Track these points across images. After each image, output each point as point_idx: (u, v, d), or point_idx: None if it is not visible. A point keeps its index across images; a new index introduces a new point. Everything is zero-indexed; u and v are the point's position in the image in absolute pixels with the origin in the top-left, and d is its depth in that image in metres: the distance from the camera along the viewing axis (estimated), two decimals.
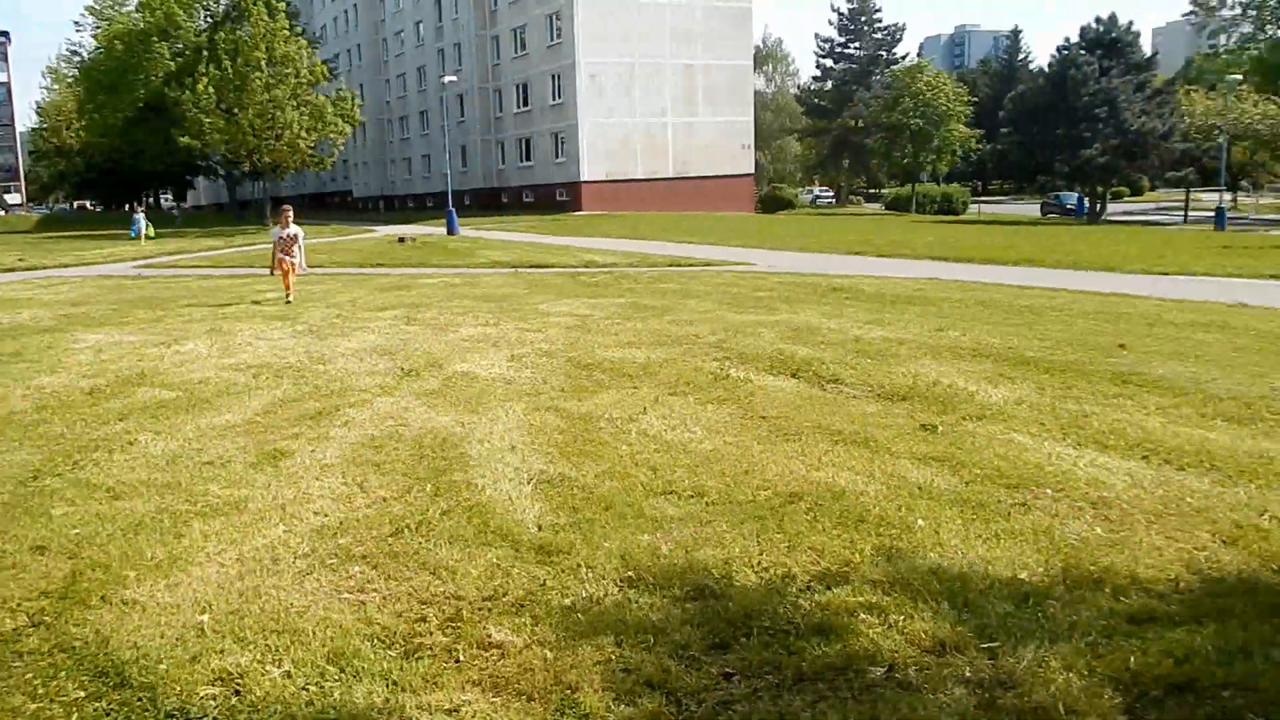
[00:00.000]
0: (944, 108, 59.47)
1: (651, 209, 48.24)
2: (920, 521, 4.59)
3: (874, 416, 6.60)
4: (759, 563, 4.17)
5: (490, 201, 57.40)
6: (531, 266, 20.21)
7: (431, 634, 3.60)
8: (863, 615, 3.66)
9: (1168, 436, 5.91)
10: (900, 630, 3.54)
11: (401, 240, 29.71)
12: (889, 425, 6.35)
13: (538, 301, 13.50)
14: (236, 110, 42.78)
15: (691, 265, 19.39)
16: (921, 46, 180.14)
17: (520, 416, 6.76)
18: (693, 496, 5.02)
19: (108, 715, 3.08)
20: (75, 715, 3.08)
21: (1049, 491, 4.98)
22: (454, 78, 44.78)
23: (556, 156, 51.90)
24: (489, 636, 3.55)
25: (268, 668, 3.35)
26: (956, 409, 6.73)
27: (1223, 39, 67.40)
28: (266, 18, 44.03)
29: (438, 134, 59.01)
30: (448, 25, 60.13)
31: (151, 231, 35.97)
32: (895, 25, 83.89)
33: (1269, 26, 61.33)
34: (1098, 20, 55.38)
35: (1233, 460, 5.39)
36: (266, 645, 3.50)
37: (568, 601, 3.82)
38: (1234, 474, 5.17)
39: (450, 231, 33.87)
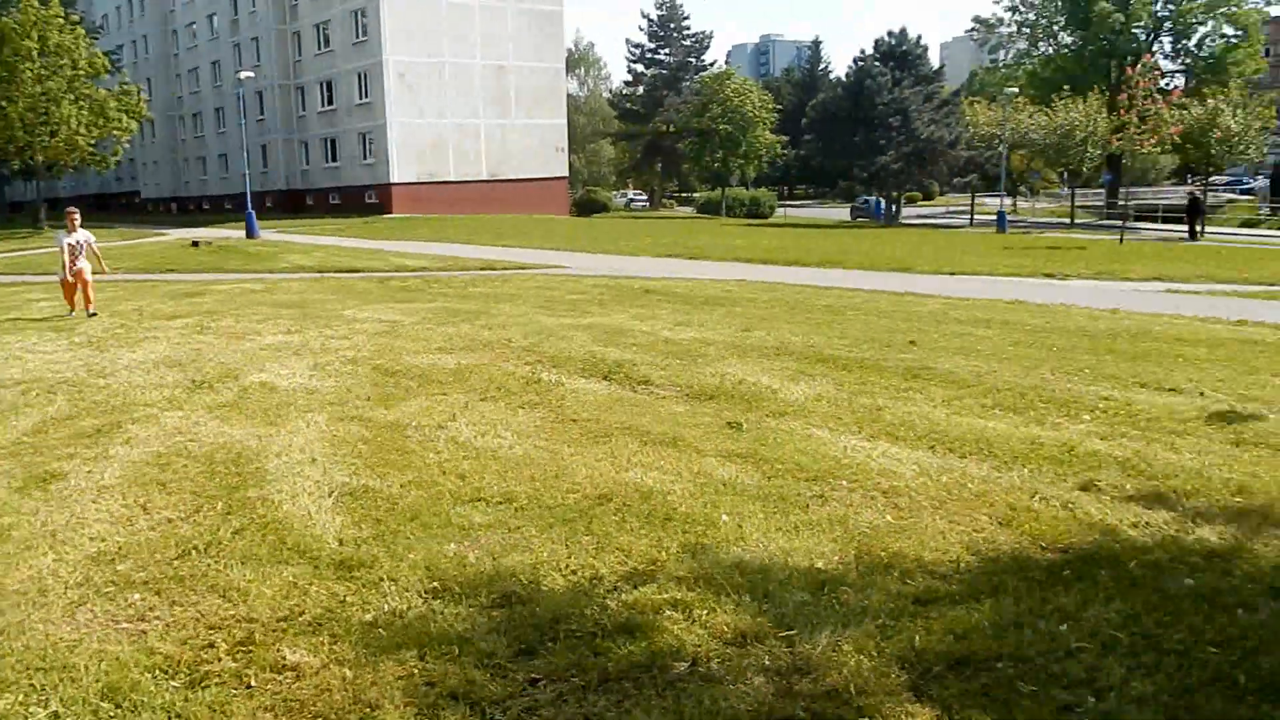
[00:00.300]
0: (751, 114, 61.54)
1: (465, 212, 47.54)
2: (725, 517, 4.70)
3: (682, 416, 6.73)
4: (567, 566, 4.16)
5: (295, 204, 55.06)
6: (338, 271, 19.52)
7: (220, 660, 3.40)
8: (668, 612, 3.72)
9: (951, 427, 6.30)
10: (704, 624, 3.62)
11: (196, 244, 28.02)
12: (696, 424, 6.49)
13: (344, 308, 13.04)
14: (5, 103, 39.23)
15: (505, 269, 19.25)
16: (729, 54, 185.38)
17: (323, 427, 6.51)
18: (502, 503, 4.96)
19: None
20: None
21: (845, 483, 5.21)
22: (250, 73, 42.56)
23: (365, 157, 50.35)
24: (283, 659, 3.39)
25: (33, 709, 3.08)
26: (761, 406, 6.95)
27: (1002, 54, 73.09)
28: (37, 4, 40.60)
29: (235, 132, 56.17)
30: (244, 19, 57.29)
31: None
32: (703, 33, 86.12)
33: (1041, 43, 66.88)
34: (890, 34, 58.79)
35: (1008, 447, 5.80)
36: (31, 685, 3.22)
37: (369, 617, 3.70)
38: (1009, 460, 5.57)
39: (250, 234, 32.25)
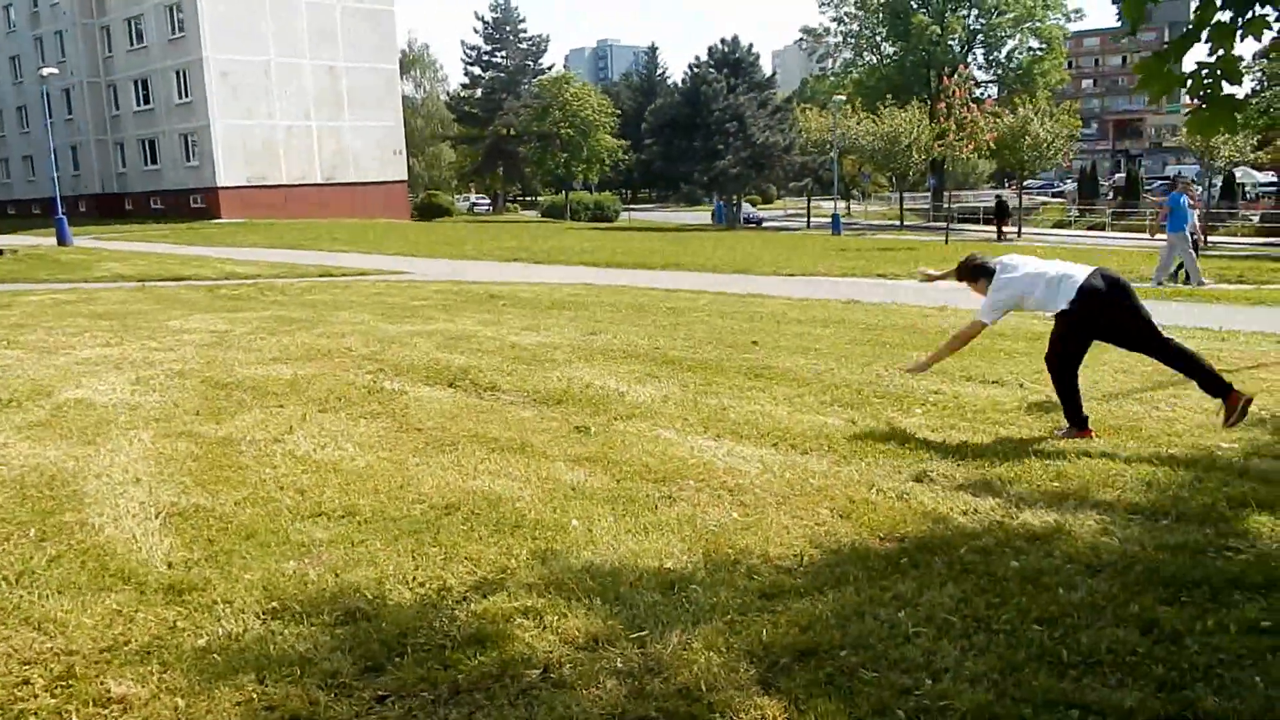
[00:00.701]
0: (591, 118, 61.93)
1: (301, 216, 45.91)
2: (575, 522, 4.70)
3: (530, 421, 6.69)
4: (414, 578, 4.07)
5: (112, 208, 51.84)
6: (162, 279, 18.49)
7: (36, 697, 3.15)
8: (519, 620, 3.68)
9: (793, 424, 6.49)
10: (555, 630, 3.60)
11: (0, 252, 26.00)
12: (544, 430, 6.46)
13: (168, 318, 12.36)
14: None
15: (344, 275, 18.70)
16: (567, 58, 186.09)
17: (147, 445, 6.14)
18: (344, 516, 4.81)
19: None
20: None
21: (692, 482, 5.29)
22: (54, 70, 39.83)
23: (188, 159, 47.92)
24: (108, 692, 3.17)
25: None
26: (608, 409, 6.98)
27: (829, 63, 76.12)
28: None
29: (41, 133, 52.48)
30: (45, 11, 53.55)
31: None
32: (540, 36, 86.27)
33: (865, 53, 70.01)
34: (723, 41, 60.18)
35: (845, 442, 6.02)
36: None
37: (202, 642, 3.51)
38: (847, 454, 5.78)
39: (61, 241, 30.18)
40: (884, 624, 3.57)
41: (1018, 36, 67.12)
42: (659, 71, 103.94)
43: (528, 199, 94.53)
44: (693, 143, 55.51)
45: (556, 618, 3.69)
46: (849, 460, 5.68)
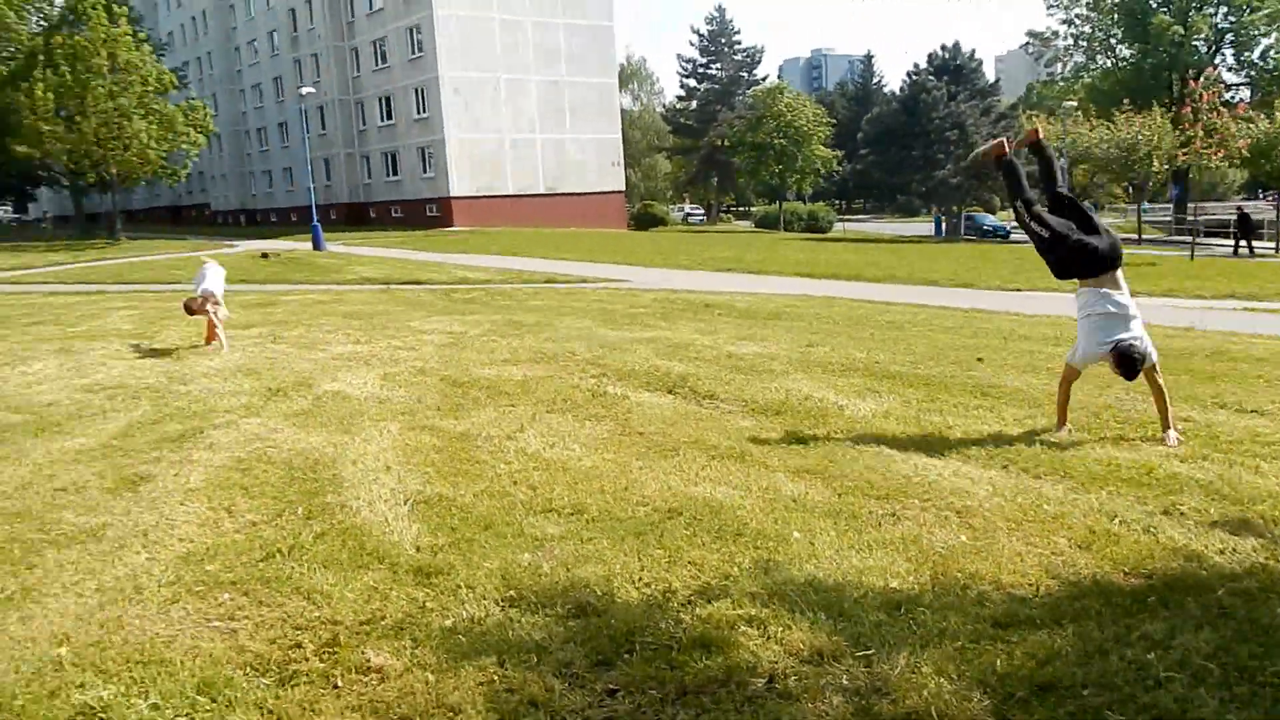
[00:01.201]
0: (805, 128, 61.35)
1: (524, 224, 48.06)
2: (796, 534, 4.70)
3: (749, 431, 6.74)
4: (640, 579, 4.20)
5: (358, 216, 56.08)
6: (402, 283, 19.84)
7: (307, 660, 3.49)
8: (743, 628, 3.73)
9: (1024, 446, 6.20)
10: (779, 641, 3.62)
11: (266, 256, 28.71)
12: (763, 440, 6.49)
13: (409, 319, 13.26)
14: (79, 118, 40.56)
15: (566, 282, 19.42)
16: (781, 69, 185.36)
17: (395, 436, 6.63)
18: (573, 514, 5.02)
19: None
20: None
21: (917, 501, 5.18)
22: (311, 89, 43.52)
23: (424, 171, 51.13)
24: (368, 661, 3.47)
25: (133, 700, 3.19)
26: (828, 422, 6.93)
27: (1058, 68, 72.00)
28: (107, 22, 41.93)
29: (299, 146, 57.44)
30: (303, 35, 58.57)
31: None
32: (754, 47, 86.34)
33: (1099, 57, 65.75)
34: (943, 47, 58.19)
35: (1084, 468, 5.70)
36: (131, 677, 3.33)
37: (448, 623, 3.77)
38: (1085, 481, 5.47)
39: (316, 247, 32.94)
40: (1131, 665, 3.37)
41: (1274, 34, 61.13)
42: (875, 80, 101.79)
43: (741, 209, 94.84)
44: (910, 152, 54.03)
45: (780, 628, 3.71)
46: (1087, 488, 5.37)
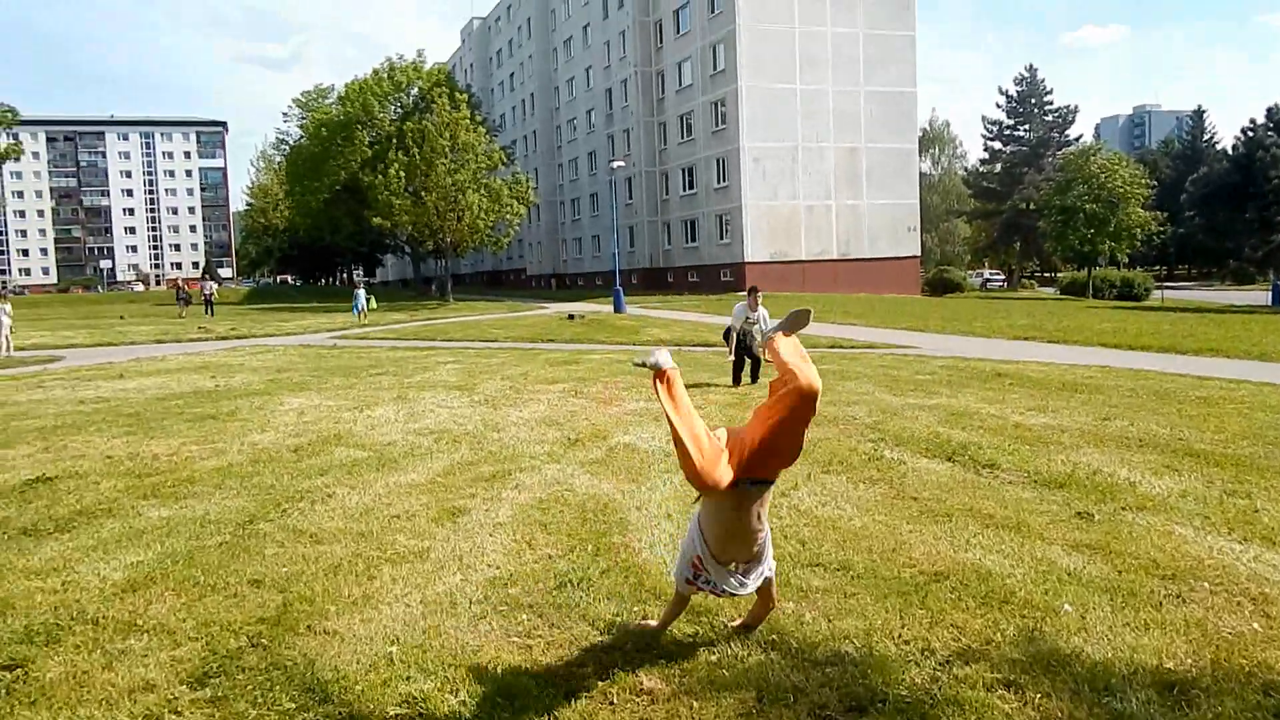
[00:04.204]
0: (1121, 190, 57.33)
1: (815, 290, 48.33)
2: (1068, 606, 4.63)
3: (1028, 502, 6.60)
4: (899, 635, 4.33)
5: (656, 281, 58.83)
6: (693, 345, 20.71)
7: (588, 678, 3.94)
8: (999, 691, 3.78)
9: None
10: (1036, 708, 3.64)
11: (571, 317, 30.93)
12: (1043, 511, 6.35)
13: (693, 380, 13.90)
14: (423, 193, 45.88)
15: (853, 346, 19.46)
16: (1098, 128, 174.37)
17: (677, 487, 7.10)
18: (839, 570, 5.21)
19: None
20: None
21: (1207, 585, 4.91)
22: (622, 162, 46.54)
23: (721, 237, 52.89)
24: (640, 684, 3.87)
25: (446, 696, 3.77)
26: (1116, 498, 6.64)
27: None
28: (449, 109, 47.27)
29: (607, 215, 61.26)
30: (618, 113, 62.75)
31: (374, 304, 36.95)
32: (1067, 107, 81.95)
33: None
34: None
35: None
36: (446, 676, 3.94)
37: (713, 658, 4.10)
38: None
39: (617, 309, 34.99)
40: None
41: None
42: (1205, 137, 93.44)
43: (1045, 275, 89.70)
44: (1244, 214, 48.93)
45: (1039, 695, 3.73)
46: None
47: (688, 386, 4.20)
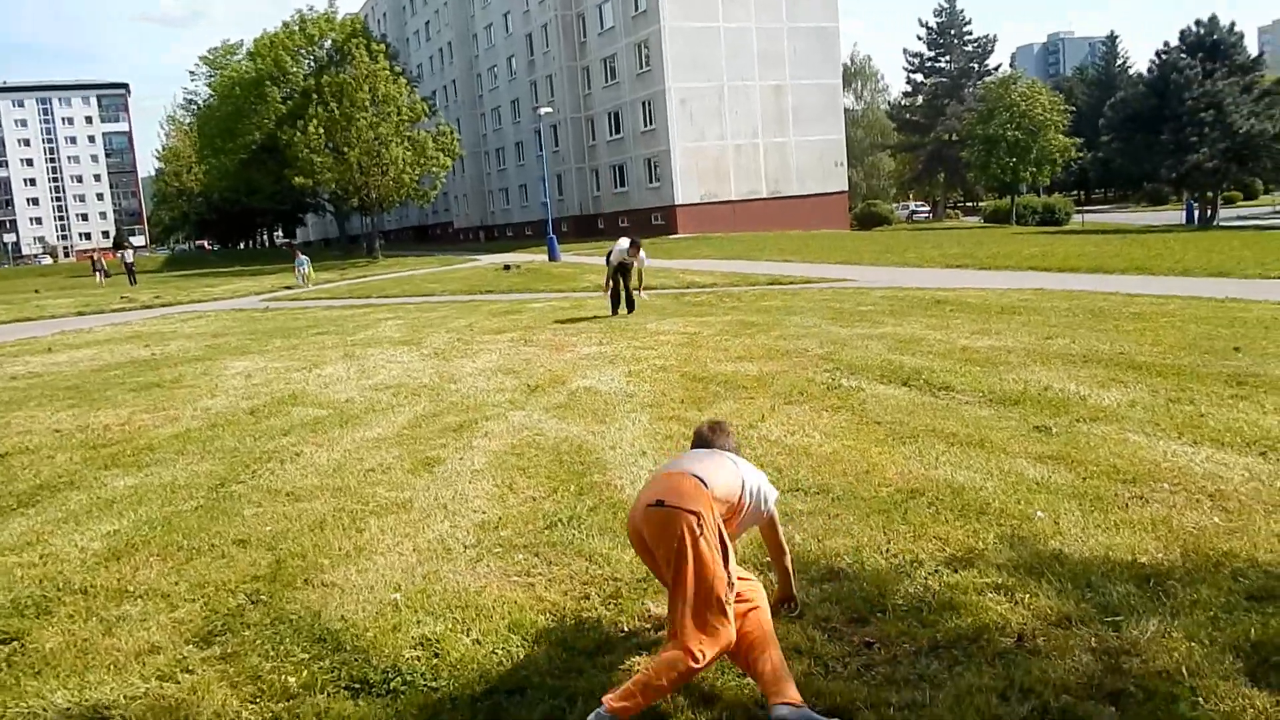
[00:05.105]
0: (1041, 118, 58.31)
1: (747, 229, 48.54)
2: (1040, 513, 4.84)
3: (987, 420, 6.83)
4: (887, 550, 4.49)
5: (587, 228, 58.48)
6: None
7: (596, 609, 4.03)
8: (990, 594, 3.96)
9: None
10: (1026, 606, 3.83)
11: (507, 268, 30.65)
12: (1002, 428, 6.57)
13: (645, 321, 13.97)
14: (345, 149, 44.77)
15: (792, 283, 19.66)
16: (1014, 56, 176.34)
17: (646, 425, 7.20)
18: (818, 493, 5.36)
19: (331, 671, 3.58)
20: (304, 671, 3.59)
21: (1166, 485, 5.16)
22: (549, 109, 45.93)
23: (650, 181, 52.68)
24: (648, 610, 3.96)
25: (459, 636, 3.82)
26: (1069, 412, 6.91)
27: None
28: (368, 60, 46.04)
29: (534, 164, 60.49)
30: (539, 59, 61.69)
31: (312, 273, 33.94)
32: (986, 37, 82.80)
33: None
34: (1198, 23, 53.62)
35: None
36: (454, 618, 3.98)
37: None
38: None
39: (552, 258, 34.75)
40: None
41: None
42: (1119, 63, 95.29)
43: (969, 205, 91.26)
44: (1159, 137, 50.03)
45: (1027, 595, 3.91)
46: None
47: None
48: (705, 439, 3.77)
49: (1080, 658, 3.41)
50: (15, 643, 4.04)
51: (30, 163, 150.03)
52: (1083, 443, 6.07)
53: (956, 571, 4.19)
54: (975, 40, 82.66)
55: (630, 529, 3.40)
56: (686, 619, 3.10)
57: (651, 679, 3.05)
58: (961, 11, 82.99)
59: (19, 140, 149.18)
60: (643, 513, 3.26)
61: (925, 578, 4.16)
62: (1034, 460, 5.77)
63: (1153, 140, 50.49)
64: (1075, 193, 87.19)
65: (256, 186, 59.30)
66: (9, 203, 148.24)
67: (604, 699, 3.04)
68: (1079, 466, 5.58)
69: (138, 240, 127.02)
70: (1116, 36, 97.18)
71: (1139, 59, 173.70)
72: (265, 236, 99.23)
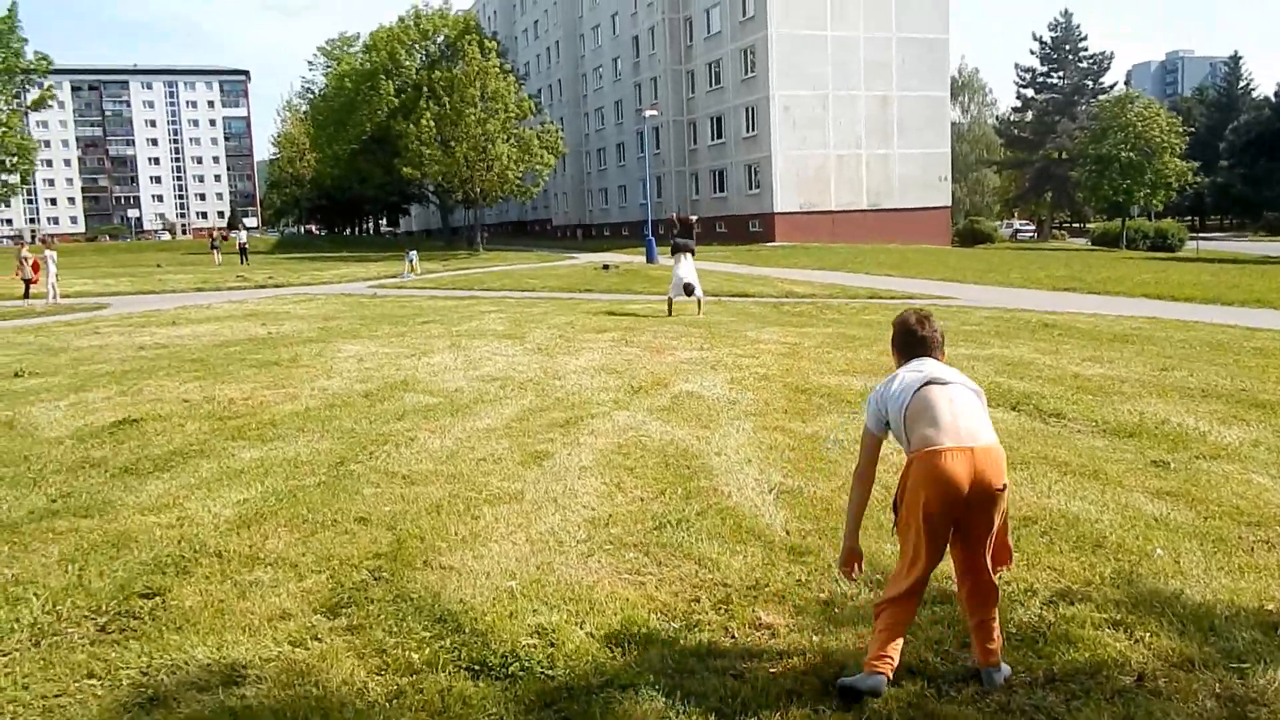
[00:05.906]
0: (1158, 139, 56.32)
1: (845, 240, 48.07)
2: (1159, 550, 4.73)
3: (1101, 451, 6.68)
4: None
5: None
6: (732, 295, 20.74)
7: (706, 613, 4.09)
8: (1106, 629, 3.90)
9: None
10: (1146, 645, 3.76)
11: (606, 267, 30.94)
12: (1118, 460, 6.43)
13: (745, 329, 13.98)
14: (453, 143, 45.74)
15: (893, 298, 19.43)
16: (1130, 75, 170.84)
17: (750, 434, 7.23)
18: None
19: (452, 651, 3.72)
20: (426, 649, 3.74)
21: None
22: (653, 111, 46.19)
23: (750, 188, 52.54)
24: (758, 618, 4.01)
25: (573, 628, 3.93)
26: (1188, 448, 6.71)
27: None
28: (479, 56, 46.95)
29: (634, 165, 60.90)
30: (644, 61, 62.07)
31: (419, 268, 33.57)
32: (1102, 54, 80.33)
33: None
34: None
35: None
36: (568, 610, 4.09)
37: (824, 596, 4.24)
38: None
39: (650, 260, 34.95)
40: None
41: None
42: (1242, 85, 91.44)
43: (1076, 226, 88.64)
44: None
45: (1147, 634, 3.84)
46: None
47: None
48: (914, 332, 3.95)
49: (1204, 703, 3.34)
50: (158, 598, 4.29)
51: (155, 143, 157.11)
52: (1203, 480, 5.91)
53: (1072, 604, 4.14)
54: (1091, 57, 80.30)
55: (945, 468, 3.43)
56: (1002, 548, 3.62)
57: (988, 619, 3.51)
58: (1078, 27, 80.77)
59: (146, 121, 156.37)
60: (982, 452, 3.39)
61: (1040, 607, 4.12)
62: (1152, 496, 5.63)
63: (1276, 167, 48.37)
64: (1189, 218, 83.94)
65: (366, 176, 61.06)
66: (134, 179, 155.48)
67: (980, 660, 3.48)
68: (1200, 505, 5.44)
69: (250, 222, 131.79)
70: (1240, 57, 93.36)
71: (1263, 81, 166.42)
72: (371, 224, 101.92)
